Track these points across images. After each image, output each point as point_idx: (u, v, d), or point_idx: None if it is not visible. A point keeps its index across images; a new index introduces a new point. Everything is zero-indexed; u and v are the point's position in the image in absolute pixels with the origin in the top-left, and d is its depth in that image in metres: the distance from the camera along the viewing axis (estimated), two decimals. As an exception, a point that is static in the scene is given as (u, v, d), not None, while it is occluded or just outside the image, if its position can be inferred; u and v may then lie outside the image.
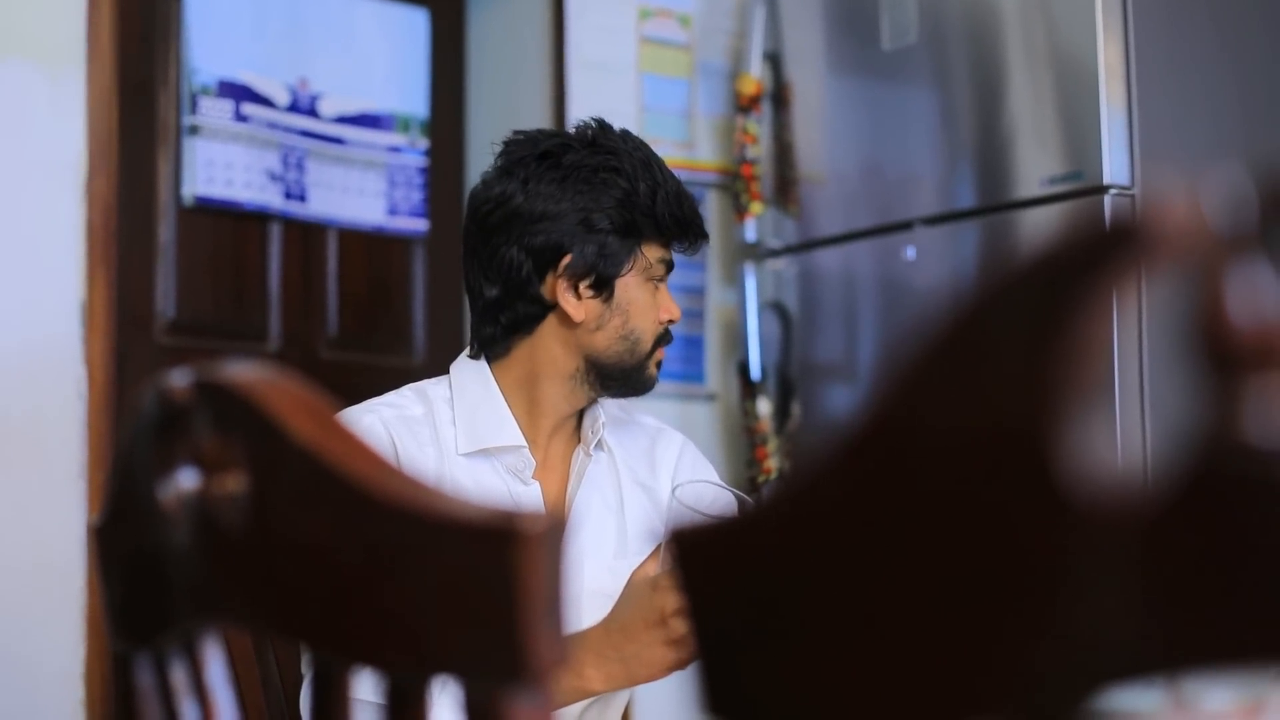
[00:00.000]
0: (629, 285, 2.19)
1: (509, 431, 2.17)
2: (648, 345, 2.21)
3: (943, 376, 0.63)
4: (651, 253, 2.20)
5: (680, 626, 1.91)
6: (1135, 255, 0.56)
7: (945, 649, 0.64)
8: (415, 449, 2.13)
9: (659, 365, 2.25)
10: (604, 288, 2.18)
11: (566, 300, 2.17)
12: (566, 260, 2.17)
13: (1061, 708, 0.61)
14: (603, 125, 2.24)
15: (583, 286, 2.17)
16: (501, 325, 2.21)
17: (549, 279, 2.18)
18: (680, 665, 1.94)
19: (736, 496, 2.06)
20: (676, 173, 2.27)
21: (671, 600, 1.93)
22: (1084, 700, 0.60)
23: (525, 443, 2.18)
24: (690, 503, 1.99)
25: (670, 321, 2.24)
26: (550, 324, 2.19)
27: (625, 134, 2.25)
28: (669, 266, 2.24)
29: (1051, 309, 0.59)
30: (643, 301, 2.21)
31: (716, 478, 2.32)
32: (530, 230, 2.18)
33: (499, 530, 0.80)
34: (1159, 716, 0.86)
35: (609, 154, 2.19)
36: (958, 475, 0.63)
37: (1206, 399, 0.55)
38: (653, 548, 2.13)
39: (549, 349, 2.20)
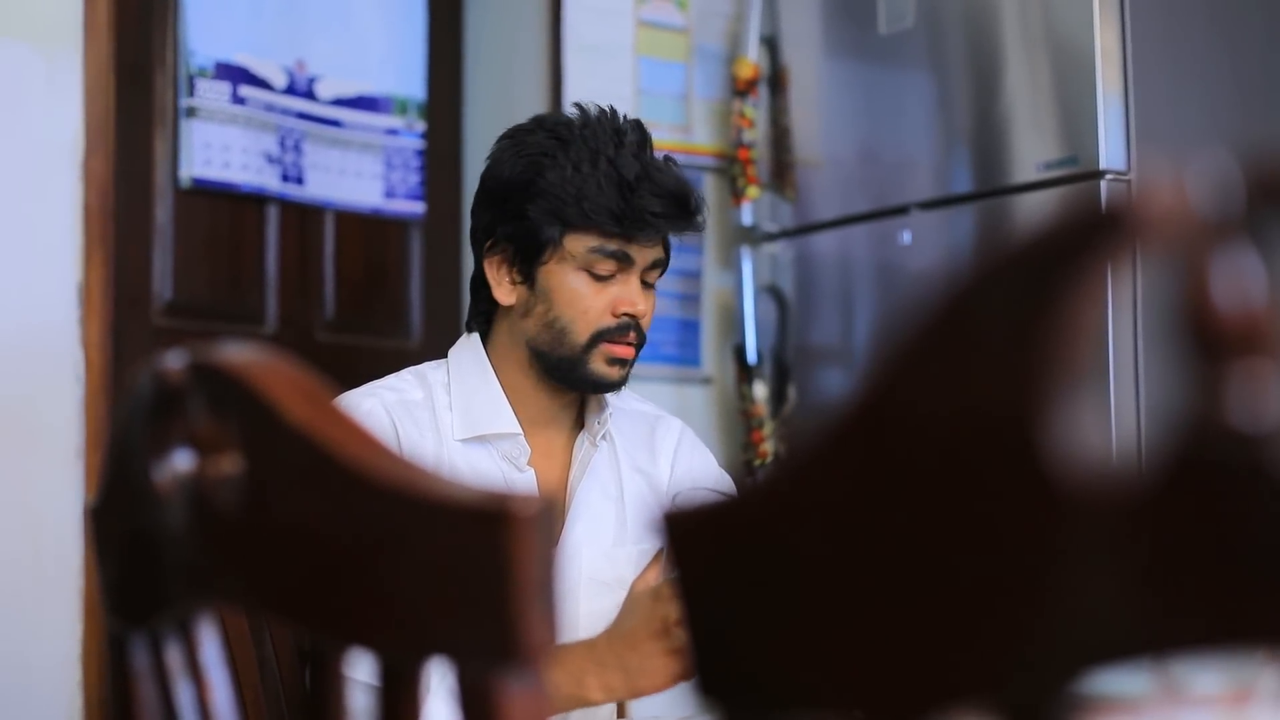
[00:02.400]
0: (551, 273, 2.15)
1: (504, 418, 2.17)
2: (580, 337, 2.16)
3: (933, 360, 0.64)
4: (581, 242, 2.15)
5: (683, 635, 1.89)
6: (1121, 241, 0.56)
7: (934, 629, 0.64)
8: (415, 434, 2.13)
9: (618, 363, 2.17)
10: (527, 274, 2.17)
11: (499, 283, 2.18)
12: (490, 243, 2.17)
13: (1049, 690, 0.61)
14: (583, 110, 2.21)
15: (514, 271, 2.18)
16: (477, 302, 2.24)
17: (485, 260, 2.19)
18: (683, 676, 1.91)
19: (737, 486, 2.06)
20: (673, 156, 2.25)
21: (673, 609, 1.92)
22: (1071, 683, 0.61)
23: (520, 430, 2.17)
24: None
25: (627, 315, 2.16)
26: (500, 307, 2.21)
27: (599, 119, 2.20)
28: (619, 257, 2.16)
29: (1038, 293, 0.59)
30: (569, 290, 2.15)
31: (715, 463, 2.32)
32: (478, 209, 2.20)
33: (491, 513, 0.80)
34: (1147, 701, 0.86)
35: (559, 139, 2.16)
36: (947, 458, 0.63)
37: (1193, 384, 0.55)
38: (653, 556, 2.13)
39: (502, 333, 2.21)
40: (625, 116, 2.24)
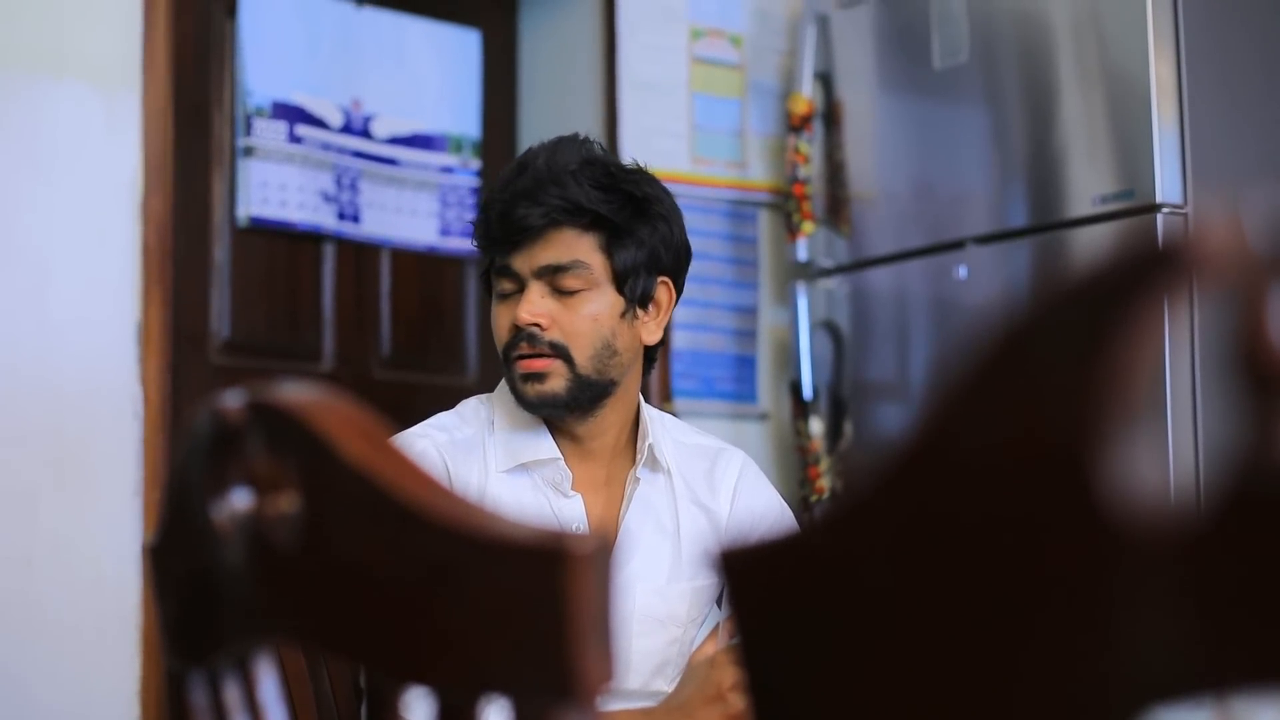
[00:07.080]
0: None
1: (544, 446, 2.15)
2: (503, 359, 2.15)
3: (990, 396, 0.64)
4: (488, 262, 2.18)
5: (739, 701, 1.90)
6: (1178, 275, 0.56)
7: (994, 667, 0.64)
8: (465, 471, 2.13)
9: (525, 379, 2.13)
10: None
11: None
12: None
13: (1109, 728, 0.61)
14: (560, 138, 2.20)
15: None
16: None
17: None
18: None
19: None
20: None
21: (729, 675, 1.93)
22: (1133, 719, 0.60)
23: (560, 455, 2.16)
24: None
25: (515, 329, 2.13)
26: None
27: (546, 147, 2.18)
28: (505, 272, 2.15)
29: (1096, 328, 0.59)
30: (493, 310, 2.18)
31: (777, 496, 2.29)
32: None
33: (548, 550, 0.80)
34: (1208, 737, 0.86)
35: (512, 166, 2.18)
36: (1004, 495, 0.63)
37: (1249, 420, 0.55)
38: (709, 598, 2.13)
39: None
40: (581, 136, 2.20)
